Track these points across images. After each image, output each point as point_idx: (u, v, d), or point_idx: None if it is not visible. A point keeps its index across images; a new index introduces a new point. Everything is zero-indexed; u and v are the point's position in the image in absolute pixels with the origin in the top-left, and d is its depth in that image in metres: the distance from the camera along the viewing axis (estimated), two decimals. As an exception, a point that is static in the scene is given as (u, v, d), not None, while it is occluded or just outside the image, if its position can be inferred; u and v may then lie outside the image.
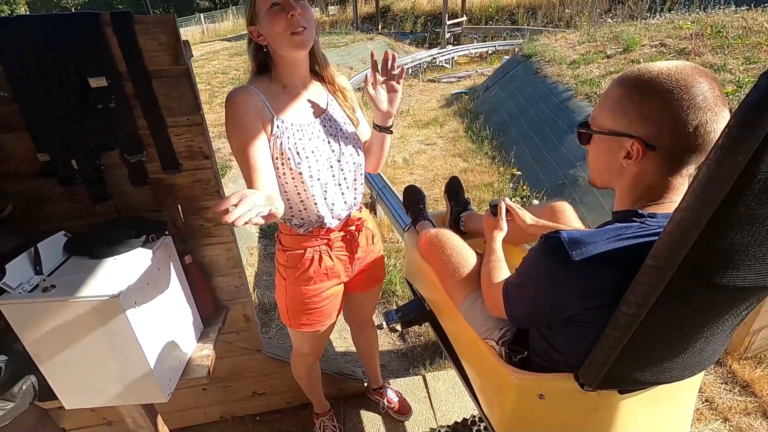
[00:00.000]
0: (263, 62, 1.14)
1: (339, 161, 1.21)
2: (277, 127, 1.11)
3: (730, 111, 0.61)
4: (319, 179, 1.16)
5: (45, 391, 1.11)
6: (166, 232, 1.24)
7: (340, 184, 1.23)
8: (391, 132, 1.28)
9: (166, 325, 1.18)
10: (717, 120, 0.68)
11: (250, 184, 1.04)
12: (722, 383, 1.97)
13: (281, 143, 1.11)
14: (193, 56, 1.20)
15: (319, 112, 1.20)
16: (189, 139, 1.22)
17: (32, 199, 1.21)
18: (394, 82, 1.20)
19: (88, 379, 1.11)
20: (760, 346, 2.04)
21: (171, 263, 1.24)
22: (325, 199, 1.21)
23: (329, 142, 1.19)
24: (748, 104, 0.46)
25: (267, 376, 1.78)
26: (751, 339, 1.99)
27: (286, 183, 1.15)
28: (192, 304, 1.34)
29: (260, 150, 1.06)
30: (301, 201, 1.18)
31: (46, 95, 1.07)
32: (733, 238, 0.56)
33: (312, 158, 1.14)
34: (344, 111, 1.26)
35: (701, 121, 0.67)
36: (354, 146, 1.24)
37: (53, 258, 1.09)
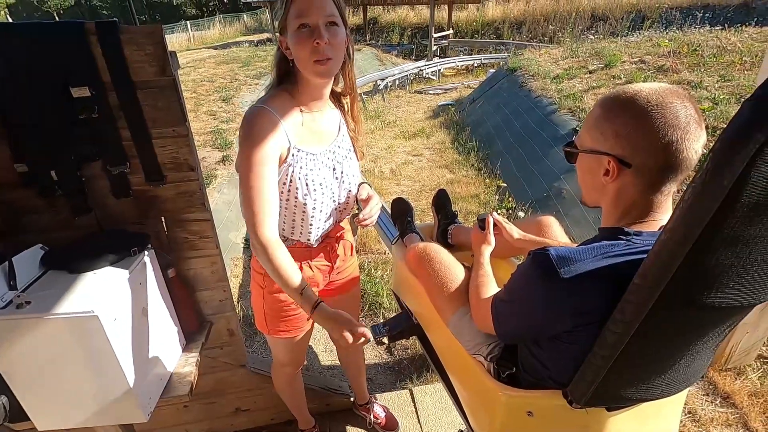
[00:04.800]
0: (286, 73, 1.10)
1: (339, 187, 1.21)
2: (293, 155, 1.08)
3: (708, 128, 0.63)
4: (321, 210, 1.17)
5: (17, 412, 1.06)
6: (149, 245, 1.21)
7: (336, 207, 1.24)
8: None
9: (147, 341, 1.14)
10: (689, 138, 0.70)
11: (250, 205, 1.01)
12: (704, 395, 2.00)
13: (293, 171, 1.09)
14: (180, 67, 1.18)
15: (330, 138, 1.19)
16: (174, 151, 1.20)
17: (11, 210, 1.17)
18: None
19: (63, 399, 1.06)
20: (740, 358, 2.08)
21: (153, 277, 1.21)
22: (320, 227, 1.21)
23: (334, 169, 1.19)
24: (732, 129, 0.47)
25: (251, 392, 1.74)
26: (730, 350, 2.03)
27: (284, 208, 1.14)
28: (174, 319, 1.31)
29: (272, 182, 1.03)
30: (293, 222, 1.17)
31: (27, 104, 1.04)
32: (719, 259, 0.57)
33: (319, 191, 1.14)
34: (350, 138, 1.27)
35: (671, 139, 0.69)
36: (354, 171, 1.25)
37: (29, 272, 1.05)
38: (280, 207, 1.13)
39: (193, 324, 1.41)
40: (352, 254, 1.45)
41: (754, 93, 0.46)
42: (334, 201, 1.20)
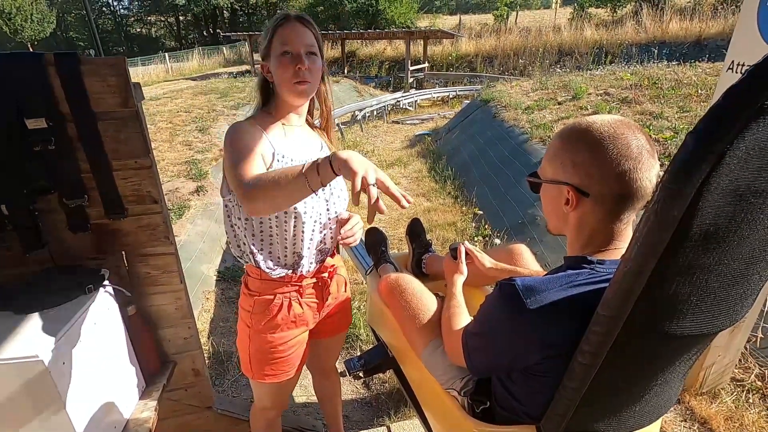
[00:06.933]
0: (267, 96, 1.19)
1: (327, 201, 1.21)
2: (278, 161, 1.11)
3: (670, 156, 0.64)
4: (311, 216, 1.16)
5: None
6: (106, 282, 1.15)
7: (325, 224, 1.22)
8: None
9: (101, 385, 1.07)
10: (641, 168, 0.71)
11: (234, 168, 1.00)
12: (682, 420, 1.99)
13: None
14: (144, 98, 1.17)
15: (312, 151, 1.23)
16: (136, 183, 1.17)
17: (-47, 248, 1.10)
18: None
19: (2, 454, 0.97)
20: (714, 381, 2.09)
21: (110, 316, 1.14)
22: (312, 239, 1.19)
23: None
24: (678, 161, 0.48)
25: (218, 436, 1.64)
26: (704, 374, 2.04)
27: (274, 218, 1.12)
28: (133, 360, 1.24)
29: (257, 159, 1.04)
30: (285, 239, 1.15)
31: (-23, 137, 1.00)
32: (677, 288, 0.57)
33: None
34: None
35: (624, 169, 0.71)
36: (341, 186, 1.26)
37: (-30, 314, 0.98)
38: (271, 226, 1.14)
39: (154, 364, 1.33)
40: (345, 290, 1.43)
41: (697, 126, 0.47)
42: (320, 215, 1.19)
